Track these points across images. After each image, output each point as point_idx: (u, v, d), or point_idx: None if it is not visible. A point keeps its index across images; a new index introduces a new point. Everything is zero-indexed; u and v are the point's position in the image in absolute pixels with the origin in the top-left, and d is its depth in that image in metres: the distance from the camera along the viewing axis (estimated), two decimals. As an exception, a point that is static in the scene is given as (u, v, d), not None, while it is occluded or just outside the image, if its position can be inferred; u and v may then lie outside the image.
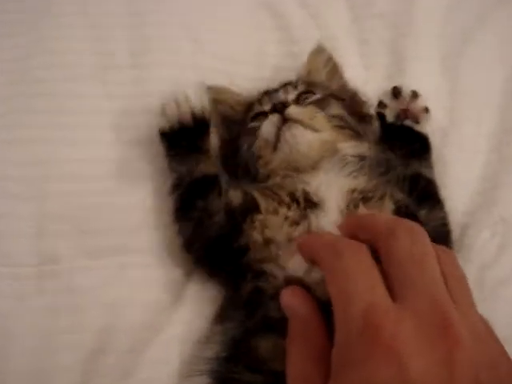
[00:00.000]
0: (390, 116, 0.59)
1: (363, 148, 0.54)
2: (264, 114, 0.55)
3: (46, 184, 0.57)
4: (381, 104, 0.60)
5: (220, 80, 0.63)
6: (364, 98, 0.61)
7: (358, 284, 0.34)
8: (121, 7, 0.66)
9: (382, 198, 0.50)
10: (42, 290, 0.53)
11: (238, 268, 0.49)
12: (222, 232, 0.50)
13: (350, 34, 0.71)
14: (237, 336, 0.48)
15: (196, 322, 0.53)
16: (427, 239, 0.37)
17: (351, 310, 0.32)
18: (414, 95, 0.58)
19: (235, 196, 0.52)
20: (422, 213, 0.52)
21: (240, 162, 0.55)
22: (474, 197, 0.63)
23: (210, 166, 0.54)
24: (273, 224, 0.49)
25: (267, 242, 0.49)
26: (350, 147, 0.53)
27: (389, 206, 0.50)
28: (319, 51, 0.63)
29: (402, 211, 0.50)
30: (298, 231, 0.48)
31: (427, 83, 0.67)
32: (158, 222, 0.56)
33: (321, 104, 0.55)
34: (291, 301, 0.41)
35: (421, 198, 0.53)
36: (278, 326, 0.42)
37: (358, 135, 0.55)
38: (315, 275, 0.44)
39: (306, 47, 0.66)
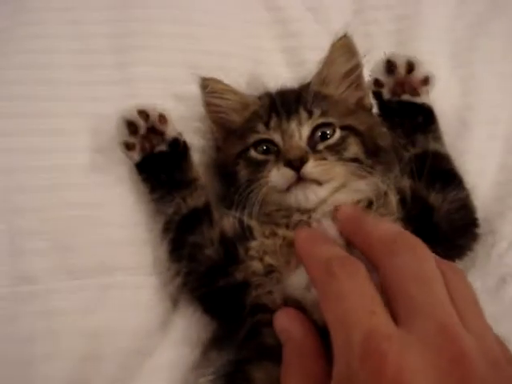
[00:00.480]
0: (386, 93, 0.54)
1: (372, 185, 0.49)
2: (270, 150, 0.50)
3: (17, 196, 0.51)
4: (377, 82, 0.54)
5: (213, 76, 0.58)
6: (383, 129, 0.54)
7: (356, 309, 0.31)
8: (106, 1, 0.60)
9: (384, 195, 0.48)
10: (17, 314, 0.48)
11: (236, 305, 0.45)
12: (216, 264, 0.47)
13: (352, 27, 0.65)
14: (230, 365, 0.44)
15: (186, 348, 0.49)
16: (431, 256, 0.34)
17: (350, 339, 0.29)
18: (410, 66, 0.53)
19: (229, 224, 0.49)
20: (433, 195, 0.48)
21: (236, 189, 0.49)
22: (490, 203, 0.58)
23: (197, 197, 0.50)
24: (271, 248, 0.46)
25: (268, 269, 0.46)
26: (358, 187, 0.49)
27: (392, 199, 0.48)
28: (344, 41, 0.53)
29: (407, 200, 0.48)
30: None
31: (437, 80, 0.62)
32: (145, 236, 0.51)
33: (338, 146, 0.49)
34: (286, 323, 0.39)
35: (431, 176, 0.49)
36: (274, 353, 0.39)
37: (369, 173, 0.49)
38: (313, 295, 0.41)
39: (303, 41, 0.63)
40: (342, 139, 0.49)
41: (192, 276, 0.48)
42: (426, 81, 0.54)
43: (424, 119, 0.54)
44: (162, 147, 0.50)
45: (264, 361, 0.41)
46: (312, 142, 0.49)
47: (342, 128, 0.50)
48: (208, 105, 0.55)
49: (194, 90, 0.56)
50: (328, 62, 0.53)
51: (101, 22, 0.59)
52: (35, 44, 0.56)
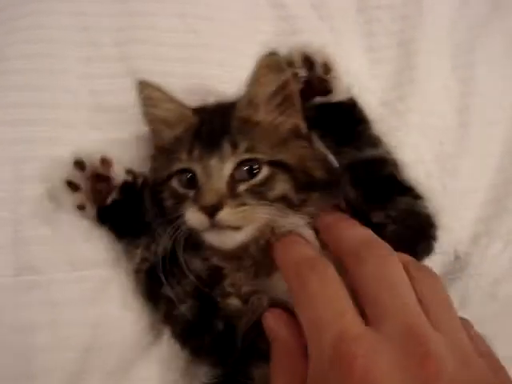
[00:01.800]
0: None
1: (301, 219, 0.45)
2: (193, 183, 0.46)
3: (20, 185, 0.51)
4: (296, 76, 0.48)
5: (214, 72, 0.58)
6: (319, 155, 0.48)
7: (326, 311, 0.33)
8: None
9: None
10: (19, 304, 0.49)
11: (227, 345, 0.44)
12: (194, 322, 0.45)
13: (355, 25, 0.66)
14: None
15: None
16: (397, 261, 0.35)
17: (321, 340, 0.31)
18: (327, 69, 0.48)
19: (198, 265, 0.46)
20: (375, 213, 0.44)
21: (161, 219, 0.47)
22: (485, 204, 0.59)
23: (163, 243, 0.46)
24: (245, 276, 0.45)
25: (246, 297, 0.45)
26: (285, 223, 0.44)
27: None
28: (270, 58, 0.47)
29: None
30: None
31: (437, 81, 0.63)
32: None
33: (263, 186, 0.44)
34: (272, 323, 0.40)
35: (370, 190, 0.45)
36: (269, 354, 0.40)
37: (297, 210, 0.45)
38: None
39: (306, 39, 0.61)
40: (269, 178, 0.45)
41: (173, 334, 0.47)
42: (327, 68, 0.48)
43: (346, 126, 0.48)
44: (114, 195, 0.48)
45: (260, 361, 0.42)
46: (233, 181, 0.44)
47: (271, 163, 0.45)
48: (143, 114, 0.52)
49: (197, 84, 0.56)
50: (253, 82, 0.47)
51: (105, 14, 0.59)
52: (38, 34, 0.56)
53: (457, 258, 0.58)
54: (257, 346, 0.43)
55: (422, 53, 0.63)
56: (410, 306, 0.32)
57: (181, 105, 0.50)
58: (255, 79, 0.47)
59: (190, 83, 0.56)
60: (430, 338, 0.30)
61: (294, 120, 0.48)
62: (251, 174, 0.45)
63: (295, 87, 0.48)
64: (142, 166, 0.52)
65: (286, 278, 0.38)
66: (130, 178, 0.49)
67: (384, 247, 0.36)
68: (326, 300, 0.33)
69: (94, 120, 0.54)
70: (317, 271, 0.36)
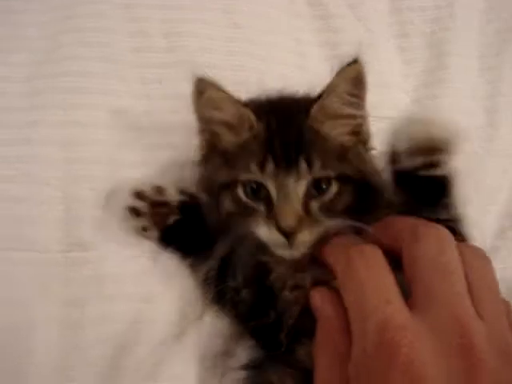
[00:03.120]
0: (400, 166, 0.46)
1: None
2: (261, 195, 0.44)
3: (72, 166, 0.54)
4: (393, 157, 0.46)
5: (254, 65, 0.61)
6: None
7: (372, 298, 0.33)
8: None
9: None
10: (69, 279, 0.50)
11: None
12: (253, 304, 0.46)
13: (388, 26, 0.69)
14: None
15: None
16: (453, 243, 0.35)
17: (366, 326, 0.32)
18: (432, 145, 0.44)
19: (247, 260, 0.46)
20: None
21: (217, 215, 0.48)
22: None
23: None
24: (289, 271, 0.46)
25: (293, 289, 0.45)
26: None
27: None
28: (354, 68, 0.45)
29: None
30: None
31: (466, 81, 0.66)
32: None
33: (332, 202, 0.44)
34: (318, 302, 0.41)
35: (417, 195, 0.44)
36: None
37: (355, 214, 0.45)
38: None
39: (344, 37, 0.65)
40: (337, 192, 0.44)
41: (237, 317, 0.48)
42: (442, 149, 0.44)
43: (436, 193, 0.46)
44: (174, 216, 0.49)
45: (305, 339, 0.43)
46: (306, 200, 0.44)
47: (337, 178, 0.44)
48: (199, 112, 0.48)
49: (241, 76, 0.59)
50: (330, 92, 0.45)
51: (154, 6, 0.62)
52: (93, 23, 0.59)
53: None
54: (302, 325, 0.44)
55: (452, 54, 0.67)
56: (460, 296, 0.33)
57: (242, 106, 0.46)
58: (331, 90, 0.45)
59: (234, 75, 0.58)
60: (474, 330, 0.30)
61: (361, 137, 0.48)
62: (320, 190, 0.44)
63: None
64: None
65: (334, 262, 0.39)
66: (185, 198, 0.50)
67: (440, 228, 0.36)
68: (373, 286, 0.34)
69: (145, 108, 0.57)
70: (365, 257, 0.36)
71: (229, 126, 0.47)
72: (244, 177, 0.45)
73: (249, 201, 0.45)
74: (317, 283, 0.44)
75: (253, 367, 0.47)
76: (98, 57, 0.57)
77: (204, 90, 0.46)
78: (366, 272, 0.35)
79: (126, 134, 0.56)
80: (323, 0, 0.68)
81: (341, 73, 0.45)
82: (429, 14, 0.69)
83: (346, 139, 0.47)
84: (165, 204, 0.49)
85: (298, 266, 0.45)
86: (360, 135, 0.48)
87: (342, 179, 0.44)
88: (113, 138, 0.55)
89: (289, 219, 0.42)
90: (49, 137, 0.54)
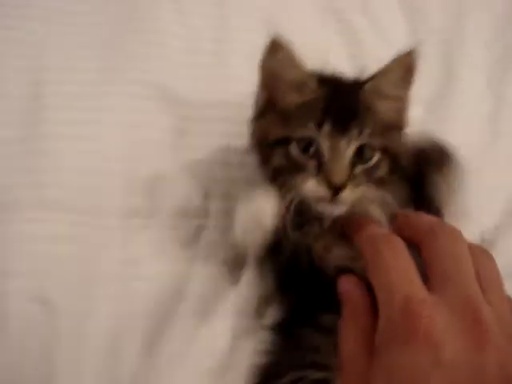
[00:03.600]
0: None
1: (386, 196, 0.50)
2: (311, 152, 0.49)
3: (136, 146, 0.64)
4: None
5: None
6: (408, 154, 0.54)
7: (397, 277, 0.38)
8: None
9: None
10: (127, 241, 0.59)
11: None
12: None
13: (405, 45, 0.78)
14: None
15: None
16: (464, 240, 0.41)
17: (392, 300, 0.37)
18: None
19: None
20: None
21: (267, 170, 0.52)
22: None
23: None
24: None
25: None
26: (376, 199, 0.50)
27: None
28: (408, 57, 0.51)
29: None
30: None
31: (474, 94, 0.75)
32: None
33: (372, 169, 0.50)
34: (347, 287, 0.45)
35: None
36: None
37: (387, 186, 0.51)
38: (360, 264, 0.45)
39: (366, 49, 0.76)
40: (378, 162, 0.50)
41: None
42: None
43: None
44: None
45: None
46: (353, 163, 0.48)
47: (380, 149, 0.50)
48: (268, 70, 0.52)
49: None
50: (383, 74, 0.51)
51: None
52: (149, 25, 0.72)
53: (482, 241, 0.63)
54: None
55: (461, 70, 0.75)
56: (470, 281, 0.37)
57: (308, 72, 0.52)
58: (386, 72, 0.51)
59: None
60: (482, 308, 0.35)
61: (403, 115, 0.54)
62: (365, 158, 0.49)
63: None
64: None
65: (363, 248, 0.43)
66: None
67: (454, 228, 0.42)
68: (398, 268, 0.39)
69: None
70: (390, 244, 0.41)
71: (294, 86, 0.51)
72: (300, 134, 0.49)
73: (302, 157, 0.49)
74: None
75: (280, 328, 0.52)
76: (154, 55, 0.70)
77: (278, 49, 0.50)
78: (392, 256, 0.40)
79: (184, 122, 0.66)
80: (348, 17, 0.78)
81: (396, 59, 0.51)
82: (441, 36, 0.78)
83: (391, 118, 0.52)
84: None
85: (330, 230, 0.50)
86: (401, 118, 0.54)
87: (383, 151, 0.50)
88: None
89: (340, 175, 0.47)
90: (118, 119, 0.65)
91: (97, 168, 0.62)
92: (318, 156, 0.48)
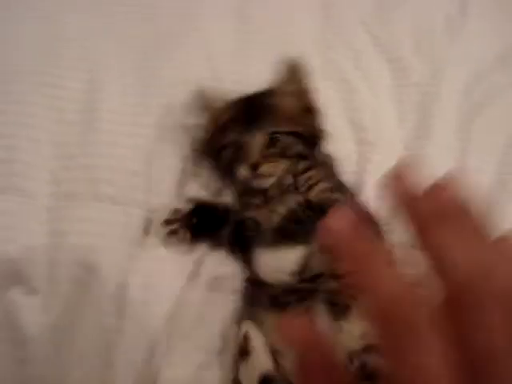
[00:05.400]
0: None
1: (306, 164, 0.71)
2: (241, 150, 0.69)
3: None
4: None
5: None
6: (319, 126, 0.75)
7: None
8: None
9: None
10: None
11: None
12: None
13: (391, 95, 0.94)
14: None
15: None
16: None
17: None
18: None
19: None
20: None
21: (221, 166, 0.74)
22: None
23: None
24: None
25: None
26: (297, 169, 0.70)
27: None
28: (293, 64, 0.73)
29: None
30: None
31: (445, 137, 0.89)
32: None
33: (284, 148, 0.69)
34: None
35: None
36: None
37: (304, 157, 0.71)
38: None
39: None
40: (289, 143, 0.69)
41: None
42: None
43: None
44: (193, 220, 0.72)
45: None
46: (267, 146, 0.68)
47: (288, 134, 0.69)
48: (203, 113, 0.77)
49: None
50: (279, 78, 0.74)
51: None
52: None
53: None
54: None
55: (436, 117, 0.91)
56: None
57: (226, 104, 0.74)
58: (281, 77, 0.74)
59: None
60: None
61: (307, 101, 0.74)
62: (276, 142, 0.69)
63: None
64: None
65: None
66: (191, 206, 0.73)
67: None
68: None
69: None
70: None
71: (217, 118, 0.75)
72: (227, 140, 0.71)
73: (235, 153, 0.70)
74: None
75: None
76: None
77: (204, 99, 0.77)
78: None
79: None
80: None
81: (283, 66, 0.74)
82: (421, 88, 0.95)
83: (295, 108, 0.73)
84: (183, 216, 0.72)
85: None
86: (305, 105, 0.74)
87: (292, 134, 0.70)
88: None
89: (252, 158, 0.68)
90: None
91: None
92: (244, 151, 0.69)
